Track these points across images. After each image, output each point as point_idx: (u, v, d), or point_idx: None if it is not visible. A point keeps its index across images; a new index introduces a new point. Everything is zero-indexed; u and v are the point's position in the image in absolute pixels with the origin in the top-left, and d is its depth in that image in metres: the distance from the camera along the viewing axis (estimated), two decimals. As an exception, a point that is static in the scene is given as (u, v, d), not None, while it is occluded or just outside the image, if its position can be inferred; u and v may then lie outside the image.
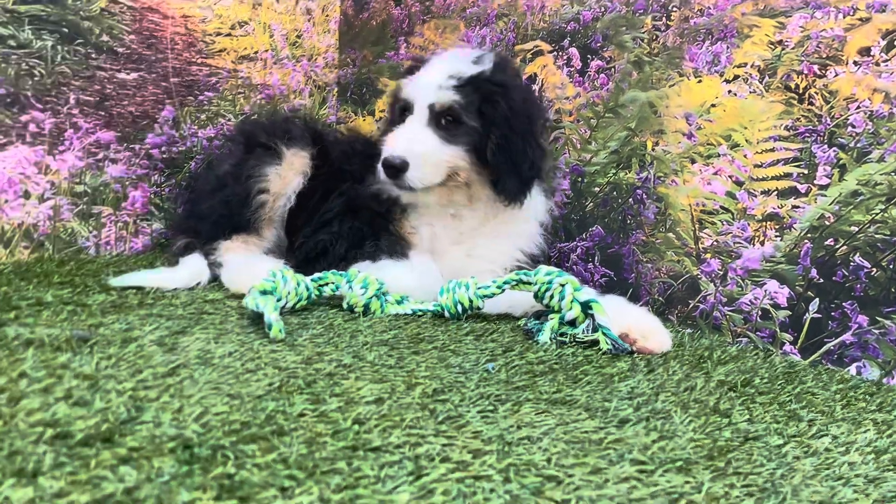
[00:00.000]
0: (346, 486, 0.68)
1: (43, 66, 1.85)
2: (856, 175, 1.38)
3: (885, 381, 1.31)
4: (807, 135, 1.46)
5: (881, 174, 1.35)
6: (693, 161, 1.62)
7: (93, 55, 1.94)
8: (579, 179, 1.83)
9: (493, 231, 1.58)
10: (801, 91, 1.47)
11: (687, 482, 0.77)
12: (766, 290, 1.49)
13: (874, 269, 1.36)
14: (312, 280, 1.42)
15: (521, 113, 1.51)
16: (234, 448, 0.73)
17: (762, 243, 1.51)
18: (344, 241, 1.59)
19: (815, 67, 1.45)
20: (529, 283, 1.36)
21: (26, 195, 1.83)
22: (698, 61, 1.62)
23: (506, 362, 1.15)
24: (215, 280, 1.59)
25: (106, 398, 0.83)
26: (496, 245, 1.58)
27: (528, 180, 1.52)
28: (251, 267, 1.52)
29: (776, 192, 1.49)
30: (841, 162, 1.41)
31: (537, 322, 1.35)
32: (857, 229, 1.38)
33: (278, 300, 1.31)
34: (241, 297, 1.39)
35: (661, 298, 1.67)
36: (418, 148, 1.46)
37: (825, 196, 1.42)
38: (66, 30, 1.88)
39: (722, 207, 1.58)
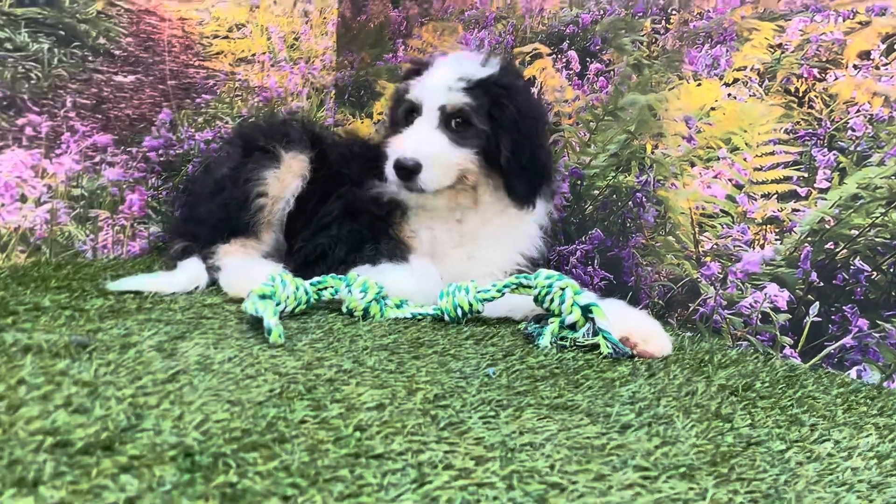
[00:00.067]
0: (349, 495, 0.67)
1: (39, 69, 1.84)
2: (856, 178, 1.38)
3: (885, 384, 1.31)
4: (807, 138, 1.46)
5: (881, 178, 1.35)
6: (693, 164, 1.62)
7: (89, 58, 1.93)
8: (579, 182, 1.83)
9: (493, 234, 1.58)
10: (800, 94, 1.47)
11: (691, 488, 0.77)
12: (766, 294, 1.49)
13: (874, 273, 1.36)
14: (311, 284, 1.41)
15: (529, 116, 1.51)
16: (236, 456, 0.73)
17: (762, 247, 1.51)
18: (343, 245, 1.58)
19: (815, 71, 1.45)
20: (529, 287, 1.36)
21: (23, 199, 1.82)
22: (698, 64, 1.62)
23: (506, 367, 1.14)
24: (214, 284, 1.58)
25: (106, 405, 0.82)
26: (496, 248, 1.58)
27: (537, 183, 1.52)
28: (250, 271, 1.51)
29: (776, 196, 1.49)
30: (841, 165, 1.41)
31: (537, 326, 1.34)
32: (857, 233, 1.38)
33: (277, 304, 1.30)
34: (239, 301, 1.38)
35: (660, 302, 1.67)
36: (429, 150, 1.45)
37: (825, 199, 1.42)
38: (62, 32, 1.87)
39: (722, 211, 1.58)
